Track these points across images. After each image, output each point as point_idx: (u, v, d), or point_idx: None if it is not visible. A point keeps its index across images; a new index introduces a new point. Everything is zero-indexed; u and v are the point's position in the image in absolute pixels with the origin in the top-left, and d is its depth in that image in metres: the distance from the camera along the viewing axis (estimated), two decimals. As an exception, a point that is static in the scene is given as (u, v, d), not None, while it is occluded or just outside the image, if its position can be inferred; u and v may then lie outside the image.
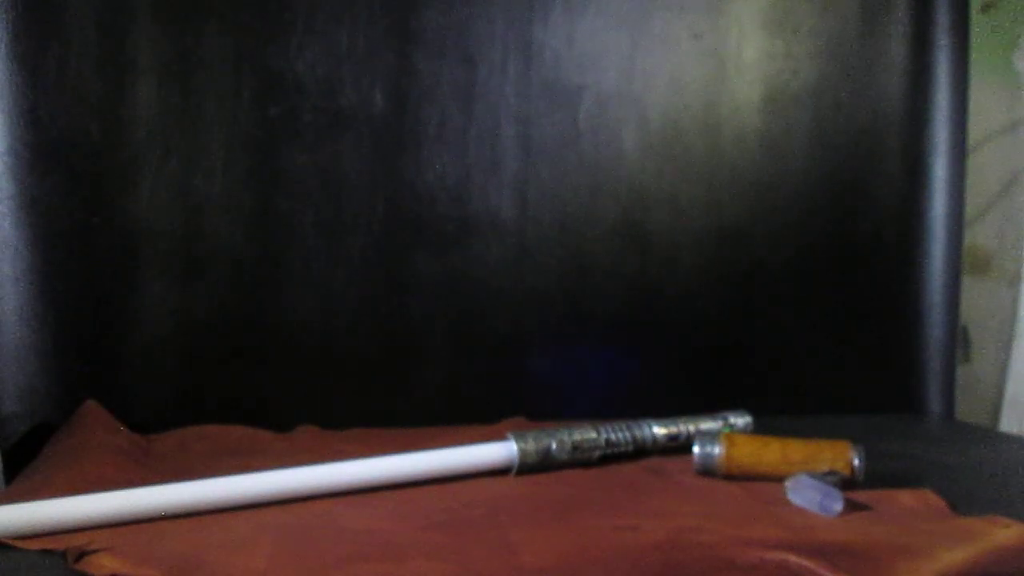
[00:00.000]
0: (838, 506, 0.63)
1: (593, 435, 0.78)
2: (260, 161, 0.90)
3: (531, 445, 0.74)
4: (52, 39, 0.83)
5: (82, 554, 0.52)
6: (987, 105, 1.14)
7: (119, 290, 0.87)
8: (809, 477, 0.66)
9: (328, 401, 0.92)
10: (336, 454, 0.70)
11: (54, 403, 0.84)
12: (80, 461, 0.72)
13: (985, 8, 1.16)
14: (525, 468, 0.74)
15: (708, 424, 0.82)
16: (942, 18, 1.06)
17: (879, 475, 0.71)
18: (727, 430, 0.81)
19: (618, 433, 0.79)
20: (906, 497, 0.67)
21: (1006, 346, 1.18)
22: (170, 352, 0.88)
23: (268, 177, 0.91)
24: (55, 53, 0.84)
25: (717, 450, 0.73)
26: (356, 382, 0.93)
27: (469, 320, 0.96)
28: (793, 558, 0.52)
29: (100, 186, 0.86)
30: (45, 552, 0.54)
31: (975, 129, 1.09)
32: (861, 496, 0.67)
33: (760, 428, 0.82)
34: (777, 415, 0.86)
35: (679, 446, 0.80)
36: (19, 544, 0.55)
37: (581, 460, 0.77)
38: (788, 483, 0.67)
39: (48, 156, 0.84)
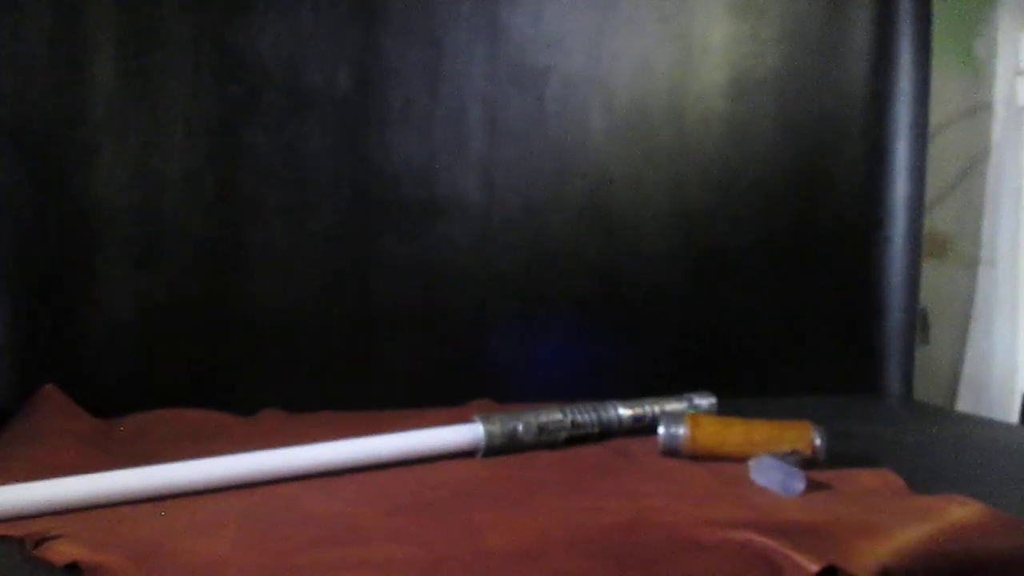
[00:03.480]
0: (800, 486, 0.64)
1: (559, 417, 0.78)
2: (221, 141, 0.89)
3: (497, 427, 0.75)
4: (5, 15, 0.81)
5: (41, 540, 0.52)
6: (948, 91, 1.16)
7: (78, 272, 0.85)
8: (772, 457, 0.67)
9: (292, 384, 0.92)
10: (300, 438, 0.69)
11: (11, 387, 0.82)
12: (38, 446, 0.71)
13: (947, -6, 1.18)
14: (491, 450, 0.74)
15: (673, 405, 0.83)
16: (905, 4, 1.07)
17: (840, 455, 0.72)
18: (692, 411, 0.82)
19: (584, 415, 0.79)
20: (866, 476, 0.69)
21: (963, 328, 1.21)
22: (131, 335, 0.87)
23: (230, 158, 0.89)
24: (8, 29, 0.82)
25: (682, 431, 0.74)
26: (320, 365, 0.92)
27: (434, 302, 0.95)
28: (756, 537, 0.53)
29: (56, 166, 0.84)
30: (2, 539, 0.54)
31: (935, 114, 1.11)
32: (822, 476, 0.68)
33: (724, 409, 0.83)
34: (740, 396, 0.87)
35: (644, 427, 0.80)
36: (-25, 531, 0.55)
37: (547, 442, 0.77)
38: (751, 463, 0.68)
39: (4, 134, 0.82)
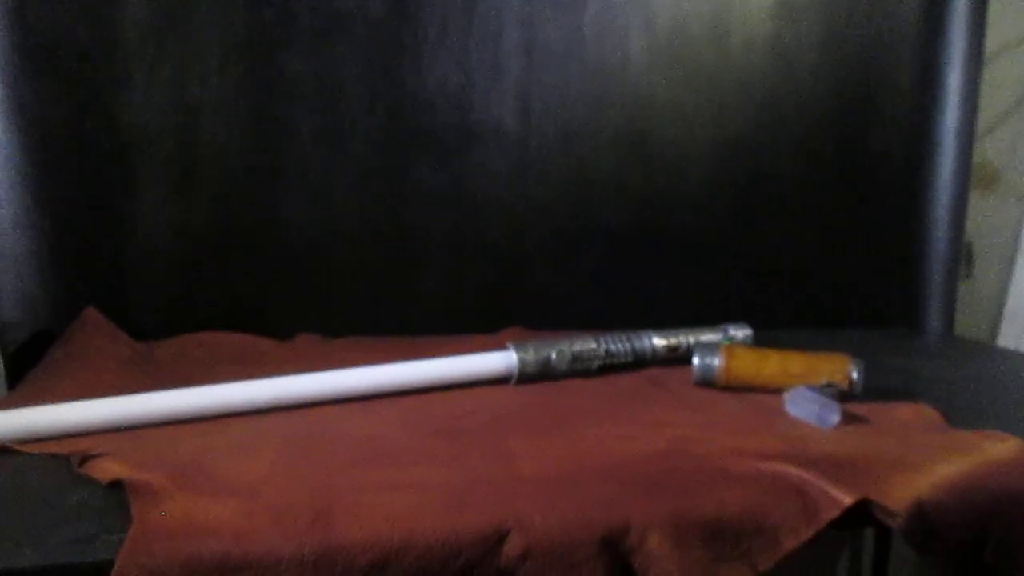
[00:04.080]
0: (835, 418, 0.64)
1: (593, 345, 0.78)
2: (256, 66, 0.88)
3: (531, 355, 0.75)
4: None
5: (86, 459, 0.53)
6: (1005, 15, 1.11)
7: (115, 197, 0.86)
8: (807, 389, 0.66)
9: (328, 309, 0.92)
10: (337, 362, 0.70)
11: (53, 310, 0.84)
12: (82, 368, 0.72)
13: (1009, -90, 1.11)
14: (525, 377, 0.74)
15: (708, 336, 0.82)
16: (963, -79, 1.02)
17: (877, 389, 0.72)
18: (727, 342, 0.81)
19: (618, 344, 0.79)
20: (903, 410, 0.68)
21: (1009, 262, 1.18)
22: (169, 259, 0.88)
23: (264, 83, 0.88)
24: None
25: (716, 361, 0.73)
26: (356, 291, 0.93)
27: (470, 230, 0.95)
28: (790, 469, 0.53)
29: (92, 91, 0.84)
30: (49, 456, 0.55)
31: (991, 40, 1.06)
32: (858, 409, 0.67)
33: (761, 340, 0.82)
34: (778, 328, 0.86)
35: (679, 357, 0.80)
36: (24, 449, 0.56)
37: (581, 370, 0.77)
38: (786, 395, 0.68)
39: (37, 59, 0.82)
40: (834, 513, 0.50)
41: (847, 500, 0.50)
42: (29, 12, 0.81)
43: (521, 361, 0.74)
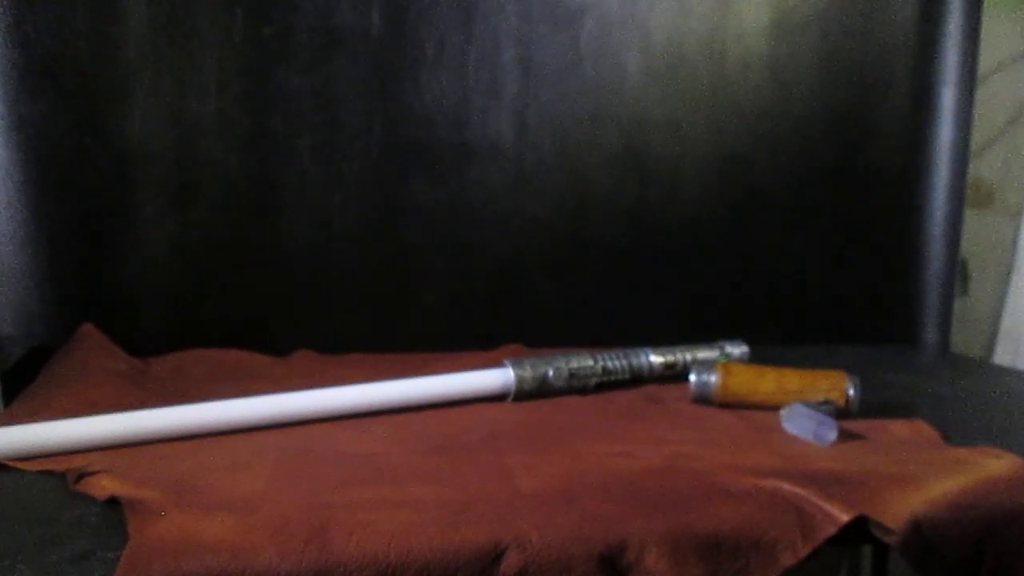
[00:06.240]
0: (832, 435, 0.64)
1: (590, 363, 0.78)
2: (254, 82, 0.89)
3: (528, 372, 0.75)
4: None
5: (82, 475, 0.53)
6: (998, 34, 1.12)
7: (113, 212, 0.86)
8: (804, 406, 0.67)
9: (326, 326, 0.92)
10: (334, 379, 0.70)
11: (50, 326, 0.84)
12: (78, 384, 0.72)
13: (1001, -69, 1.13)
14: (522, 395, 0.74)
15: (705, 353, 0.82)
16: (957, -58, 1.03)
17: (873, 405, 0.72)
18: (724, 359, 0.81)
19: (615, 361, 0.79)
20: (899, 427, 0.68)
21: (1004, 280, 1.18)
22: (166, 275, 0.88)
23: (263, 99, 0.89)
24: (42, -32, 0.81)
25: (713, 379, 0.73)
26: (353, 306, 0.93)
27: (467, 246, 0.95)
28: (786, 486, 0.53)
29: (91, 106, 0.84)
30: (45, 473, 0.55)
31: (985, 58, 1.07)
32: (855, 425, 0.67)
33: (757, 357, 0.82)
34: (774, 345, 0.87)
35: (676, 374, 0.80)
36: (19, 465, 0.56)
37: (578, 387, 0.77)
38: (783, 412, 0.68)
39: (37, 75, 0.82)
40: (831, 530, 0.50)
41: (844, 517, 0.50)
42: (28, 28, 0.81)
43: (518, 378, 0.74)
